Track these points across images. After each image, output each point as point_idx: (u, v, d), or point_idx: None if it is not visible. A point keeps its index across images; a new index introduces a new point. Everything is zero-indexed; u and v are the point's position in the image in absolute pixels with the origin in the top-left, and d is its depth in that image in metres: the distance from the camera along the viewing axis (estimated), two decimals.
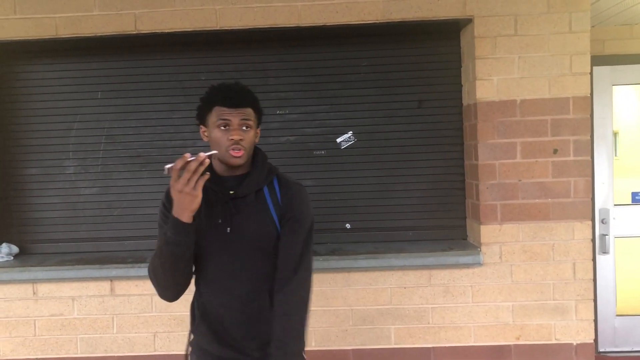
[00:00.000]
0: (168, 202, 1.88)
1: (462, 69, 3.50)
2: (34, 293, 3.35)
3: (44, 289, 3.34)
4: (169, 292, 1.88)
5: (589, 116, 3.22)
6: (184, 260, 1.80)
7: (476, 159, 3.27)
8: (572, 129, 3.22)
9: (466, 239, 3.55)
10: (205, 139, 1.92)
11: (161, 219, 1.90)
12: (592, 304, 3.29)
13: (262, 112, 1.97)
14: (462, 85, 3.51)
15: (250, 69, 3.55)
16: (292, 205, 1.90)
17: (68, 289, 3.34)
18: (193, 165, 1.65)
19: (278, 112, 3.56)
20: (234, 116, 1.82)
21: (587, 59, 3.19)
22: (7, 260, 3.47)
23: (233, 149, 1.80)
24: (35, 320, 3.36)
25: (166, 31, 3.24)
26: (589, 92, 3.21)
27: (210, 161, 1.89)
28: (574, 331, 3.29)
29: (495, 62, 3.22)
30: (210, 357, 1.95)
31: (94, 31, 3.25)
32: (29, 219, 3.63)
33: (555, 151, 3.23)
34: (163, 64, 3.57)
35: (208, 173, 1.72)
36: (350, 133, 3.57)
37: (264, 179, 1.92)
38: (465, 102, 3.46)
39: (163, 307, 3.32)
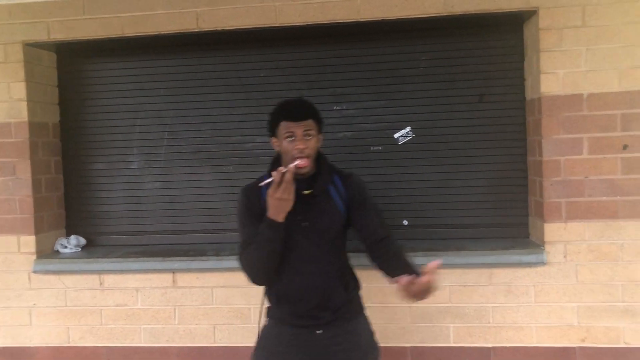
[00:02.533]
0: (252, 202, 2.27)
1: (525, 62, 3.39)
2: (101, 283, 3.48)
3: (109, 279, 3.47)
4: (264, 279, 2.30)
5: None
6: (279, 253, 2.18)
7: (540, 154, 3.17)
8: None
9: (528, 238, 3.45)
10: (276, 149, 2.30)
11: (246, 219, 2.27)
12: None
13: (322, 120, 2.32)
14: (525, 79, 3.41)
15: (309, 65, 3.56)
16: (357, 191, 2.32)
17: (132, 280, 3.45)
18: (288, 177, 2.07)
19: (335, 107, 3.56)
20: (297, 128, 2.17)
21: None
22: (75, 252, 3.61)
23: (299, 158, 2.15)
24: (101, 309, 3.49)
25: (227, 28, 3.29)
26: None
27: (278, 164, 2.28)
28: None
29: (561, 54, 3.11)
30: (286, 323, 2.31)
31: (157, 29, 3.34)
32: (96, 212, 3.77)
33: (625, 147, 3.09)
34: (223, 61, 3.63)
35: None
36: (408, 128, 3.53)
37: (330, 178, 2.30)
38: (528, 96, 3.36)
39: (223, 299, 3.39)
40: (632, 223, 3.11)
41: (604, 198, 3.12)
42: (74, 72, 3.74)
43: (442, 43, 3.47)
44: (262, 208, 2.20)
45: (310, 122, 2.21)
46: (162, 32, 3.34)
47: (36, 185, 3.49)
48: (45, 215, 3.58)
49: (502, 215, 3.49)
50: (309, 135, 2.19)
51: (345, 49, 3.55)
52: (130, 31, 3.35)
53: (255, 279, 2.28)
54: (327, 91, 3.55)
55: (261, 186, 2.20)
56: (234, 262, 3.26)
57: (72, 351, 3.53)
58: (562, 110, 3.11)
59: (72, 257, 3.51)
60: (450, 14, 3.16)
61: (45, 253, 3.57)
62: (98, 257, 3.47)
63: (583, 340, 3.20)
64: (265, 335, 2.39)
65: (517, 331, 3.24)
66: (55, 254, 3.60)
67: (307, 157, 2.18)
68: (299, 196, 2.17)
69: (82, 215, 3.79)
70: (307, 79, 3.56)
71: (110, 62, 3.71)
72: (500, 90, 3.45)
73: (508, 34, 3.42)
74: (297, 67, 3.57)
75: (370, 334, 2.41)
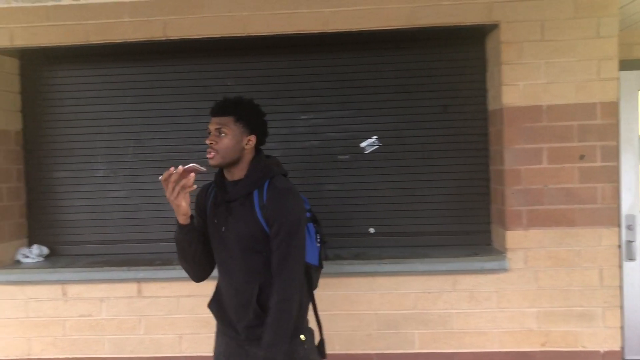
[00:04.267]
0: (198, 200, 2.30)
1: (487, 74, 3.49)
2: (64, 294, 3.42)
3: (73, 289, 3.41)
4: (191, 275, 2.28)
5: (616, 122, 3.20)
6: (190, 252, 2.15)
7: (502, 164, 3.27)
8: (599, 135, 3.20)
9: (491, 245, 3.54)
10: None
11: (194, 213, 2.22)
12: (620, 311, 3.25)
13: (251, 119, 2.15)
14: (487, 91, 3.51)
15: (275, 74, 3.59)
16: (273, 208, 2.07)
17: (96, 290, 3.41)
18: (174, 177, 1.97)
19: (302, 117, 3.60)
20: (212, 124, 2.13)
21: (615, 64, 3.17)
22: (37, 262, 3.54)
23: (208, 152, 2.08)
24: (65, 320, 3.43)
25: (194, 37, 3.29)
26: (617, 97, 3.19)
27: (222, 168, 2.19)
28: (601, 338, 3.26)
29: (521, 67, 3.21)
30: (220, 333, 2.30)
31: (123, 37, 3.32)
32: (59, 221, 3.71)
33: (581, 157, 3.21)
34: (190, 70, 3.63)
35: (195, 185, 2.00)
36: (374, 138, 3.59)
37: (253, 185, 2.12)
38: (490, 107, 3.46)
39: (189, 308, 3.37)
40: (588, 230, 3.23)
41: (562, 206, 3.23)
42: (38, 78, 3.68)
43: (406, 55, 3.55)
44: (206, 206, 2.23)
45: (226, 119, 2.09)
46: (129, 40, 3.32)
47: None
48: (6, 224, 3.51)
49: (466, 223, 3.58)
50: (222, 133, 2.08)
51: (312, 59, 3.59)
52: (95, 38, 3.32)
53: (189, 275, 2.27)
54: (294, 100, 3.58)
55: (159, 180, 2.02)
56: None
57: None
58: (523, 120, 3.22)
59: (34, 267, 3.44)
60: (414, 26, 3.23)
61: (6, 263, 3.49)
62: (61, 267, 3.41)
63: (543, 345, 3.29)
64: (214, 341, 2.37)
65: (480, 336, 3.32)
66: (17, 264, 3.53)
67: (216, 152, 2.07)
68: (221, 201, 2.13)
69: (44, 224, 3.72)
70: (274, 89, 3.59)
71: (74, 69, 3.66)
72: (464, 101, 3.55)
73: (471, 47, 3.52)
74: (264, 76, 3.59)
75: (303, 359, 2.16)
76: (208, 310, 3.29)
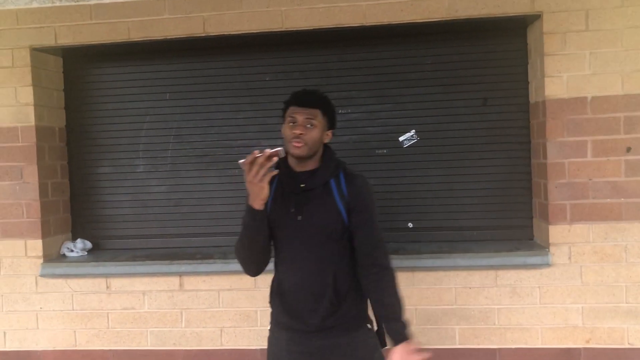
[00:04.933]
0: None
1: (529, 65, 3.43)
2: (107, 287, 3.49)
3: (116, 283, 3.48)
4: (250, 267, 2.23)
5: None
6: (258, 241, 2.11)
7: (545, 157, 3.20)
8: None
9: (533, 240, 3.48)
10: (283, 135, 2.17)
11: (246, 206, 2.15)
12: None
13: (333, 114, 2.23)
14: (528, 83, 3.44)
15: (314, 69, 3.59)
16: (357, 197, 2.15)
17: (139, 284, 3.47)
18: (260, 160, 1.94)
19: (340, 111, 3.58)
20: (299, 114, 2.11)
21: None
22: (81, 256, 3.62)
23: (295, 141, 2.08)
24: (108, 313, 3.50)
25: (233, 33, 3.31)
26: None
27: (286, 157, 2.20)
28: None
29: (564, 58, 3.14)
30: (282, 327, 2.23)
31: (164, 34, 3.36)
32: (102, 215, 3.79)
33: (628, 149, 3.13)
34: (229, 65, 3.66)
35: (277, 170, 2.04)
36: (412, 132, 3.56)
37: (330, 174, 2.18)
38: (532, 99, 3.40)
39: (230, 302, 3.41)
40: (635, 224, 3.14)
41: (608, 200, 3.15)
42: (80, 76, 3.76)
43: (446, 47, 3.51)
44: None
45: (315, 111, 2.13)
46: (169, 37, 3.36)
47: (43, 190, 3.50)
48: (51, 219, 3.59)
49: (507, 218, 3.52)
50: (311, 125, 2.11)
51: (350, 53, 3.58)
52: (136, 36, 3.37)
53: (245, 269, 2.23)
54: (332, 95, 3.48)
55: (240, 164, 1.99)
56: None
57: (78, 355, 3.54)
58: (566, 113, 3.15)
59: (78, 260, 3.52)
60: (454, 18, 3.19)
61: (52, 257, 3.58)
62: (104, 261, 3.48)
63: (587, 342, 3.22)
64: (269, 340, 2.32)
65: (522, 332, 3.26)
66: (62, 257, 3.61)
67: (305, 143, 2.09)
68: (295, 190, 2.14)
69: (88, 219, 3.80)
70: (312, 83, 3.58)
71: (116, 67, 3.73)
72: (504, 94, 3.49)
73: (512, 38, 3.45)
74: (303, 71, 3.60)
75: (370, 349, 2.23)
76: (248, 304, 3.38)
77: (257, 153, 1.95)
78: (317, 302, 2.14)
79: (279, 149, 1.98)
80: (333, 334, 2.15)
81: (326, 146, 2.25)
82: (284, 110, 2.19)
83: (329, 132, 2.23)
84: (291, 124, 2.12)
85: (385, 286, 2.14)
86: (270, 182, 2.03)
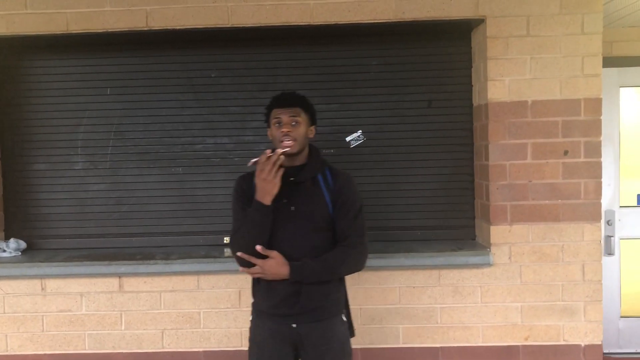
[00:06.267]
0: (243, 189, 2.36)
1: (472, 69, 3.49)
2: (42, 289, 3.34)
3: (52, 284, 3.34)
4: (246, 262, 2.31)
5: (600, 118, 3.22)
6: (266, 233, 2.25)
7: (487, 159, 3.27)
8: (583, 131, 3.22)
9: (475, 240, 3.55)
10: (270, 138, 2.38)
11: (237, 204, 2.37)
12: (601, 305, 3.29)
13: (313, 111, 2.44)
14: (472, 86, 3.51)
15: (260, 66, 3.55)
16: (342, 190, 2.34)
17: (76, 285, 3.34)
18: (273, 159, 2.17)
19: None
20: (284, 114, 2.29)
21: (599, 61, 3.19)
22: (15, 256, 3.45)
23: (285, 140, 2.26)
24: (43, 315, 3.35)
25: (178, 28, 3.23)
26: (601, 93, 3.21)
27: None
28: (582, 332, 3.29)
29: (507, 62, 3.21)
30: (265, 315, 2.37)
31: (105, 27, 3.24)
32: (37, 214, 3.63)
33: (566, 152, 3.23)
34: (173, 61, 3.57)
35: (283, 168, 2.22)
36: (359, 132, 3.57)
37: (318, 169, 2.38)
38: (475, 102, 3.46)
39: (172, 304, 3.33)
40: (572, 225, 3.25)
41: (546, 201, 3.25)
42: (15, 68, 3.58)
43: (393, 49, 3.53)
44: (254, 195, 2.28)
45: (297, 110, 2.31)
46: (110, 30, 3.24)
47: None
48: None
49: (450, 218, 3.58)
50: (296, 122, 2.29)
51: (297, 52, 3.55)
52: (76, 28, 3.24)
53: (240, 263, 2.31)
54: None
55: (249, 165, 2.24)
56: (182, 266, 3.26)
57: None
58: (508, 116, 3.22)
59: (11, 261, 3.35)
60: (401, 20, 3.21)
61: None
62: (39, 261, 3.33)
63: (526, 339, 3.32)
64: (251, 330, 2.45)
65: (464, 331, 3.33)
66: None
67: (294, 140, 2.26)
68: (286, 183, 2.25)
69: (22, 218, 3.63)
70: (258, 81, 3.55)
71: (54, 59, 3.57)
72: (449, 96, 3.54)
73: (457, 42, 3.51)
74: (249, 68, 3.55)
75: (345, 337, 2.42)
76: (190, 305, 3.31)
77: (269, 152, 2.19)
78: (300, 289, 2.27)
79: (287, 149, 2.23)
80: (312, 320, 2.30)
81: (311, 145, 2.44)
82: (267, 115, 2.37)
83: (312, 128, 2.42)
84: (277, 124, 2.30)
85: (337, 251, 2.30)
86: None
